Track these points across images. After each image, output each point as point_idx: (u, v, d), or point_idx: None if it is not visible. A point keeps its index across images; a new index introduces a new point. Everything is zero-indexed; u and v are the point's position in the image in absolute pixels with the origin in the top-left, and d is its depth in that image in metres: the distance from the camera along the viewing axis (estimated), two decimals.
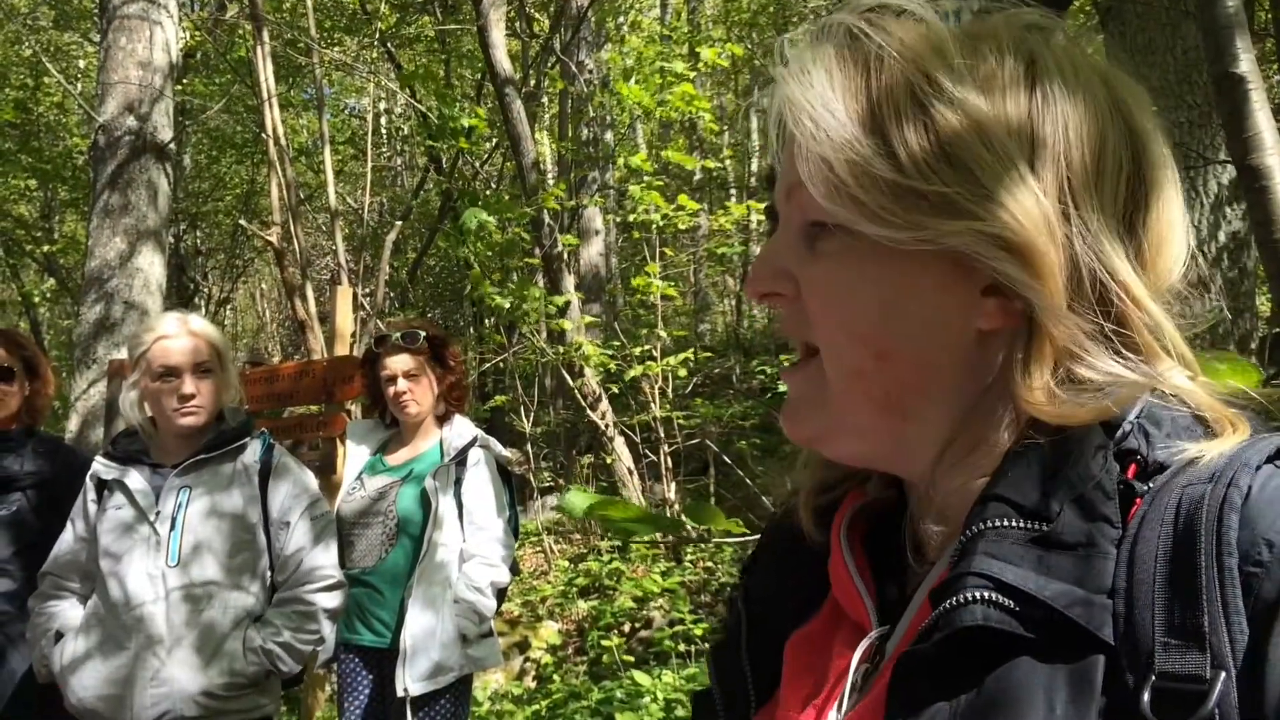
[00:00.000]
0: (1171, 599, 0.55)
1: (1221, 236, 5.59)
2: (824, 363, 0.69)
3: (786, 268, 0.71)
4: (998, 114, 0.64)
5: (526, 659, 6.41)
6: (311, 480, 2.89)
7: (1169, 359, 0.65)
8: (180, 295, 15.10)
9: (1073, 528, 0.59)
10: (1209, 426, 0.63)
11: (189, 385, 2.66)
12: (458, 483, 3.31)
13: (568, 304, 7.90)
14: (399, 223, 11.73)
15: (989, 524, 0.61)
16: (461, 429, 3.42)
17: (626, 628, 6.58)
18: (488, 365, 10.68)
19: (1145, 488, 0.60)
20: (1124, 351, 0.64)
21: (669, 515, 7.62)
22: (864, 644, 0.69)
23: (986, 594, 0.58)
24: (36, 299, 15.78)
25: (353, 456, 3.54)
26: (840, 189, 0.65)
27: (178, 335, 2.70)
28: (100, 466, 2.73)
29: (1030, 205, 0.63)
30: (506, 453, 3.56)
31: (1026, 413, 0.64)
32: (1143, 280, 0.65)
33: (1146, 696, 0.53)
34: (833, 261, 0.68)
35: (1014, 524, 0.60)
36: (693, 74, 7.82)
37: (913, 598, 0.69)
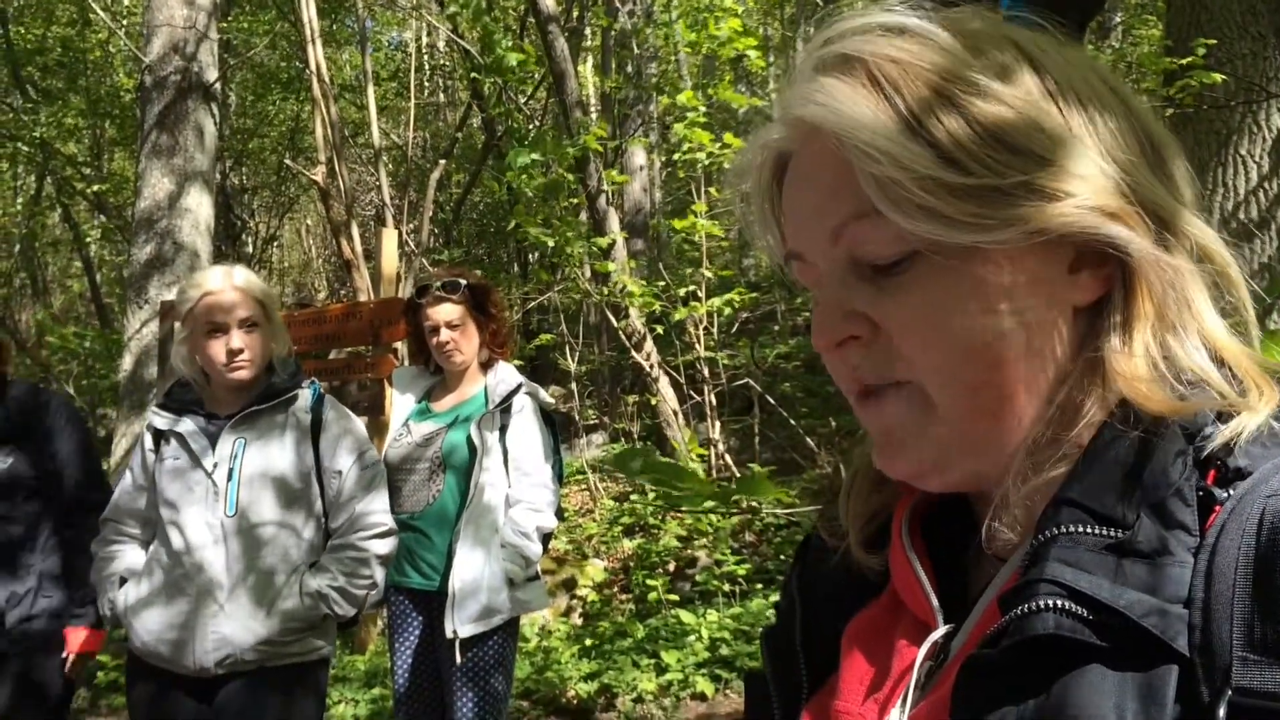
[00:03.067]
0: (1252, 613, 0.54)
1: None
2: (929, 388, 0.67)
3: (856, 309, 0.68)
4: (1026, 92, 0.65)
5: (573, 596, 6.51)
6: (362, 429, 2.93)
7: (1210, 321, 0.66)
8: (228, 233, 15.23)
9: (1150, 535, 0.58)
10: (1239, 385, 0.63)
11: (236, 340, 2.70)
12: (503, 429, 3.33)
13: (613, 244, 7.87)
14: (442, 161, 11.69)
15: (1063, 529, 0.60)
16: (506, 376, 3.43)
17: (671, 566, 6.65)
18: (532, 304, 10.70)
19: (1225, 494, 0.59)
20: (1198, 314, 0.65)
21: (715, 457, 7.64)
22: (929, 642, 0.68)
23: (1059, 602, 0.57)
24: (89, 239, 16.00)
25: (399, 403, 3.58)
26: (922, 207, 0.63)
27: (223, 290, 2.73)
28: (156, 417, 2.79)
29: (1094, 165, 0.64)
30: (551, 399, 3.58)
31: (1118, 393, 0.64)
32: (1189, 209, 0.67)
33: (1222, 711, 0.52)
34: (923, 285, 0.66)
35: (1089, 530, 0.59)
36: (740, 8, 7.65)
37: (980, 597, 0.69)
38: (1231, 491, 0.59)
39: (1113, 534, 0.59)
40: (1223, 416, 0.62)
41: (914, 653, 0.69)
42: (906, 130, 0.63)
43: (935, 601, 0.70)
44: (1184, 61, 4.57)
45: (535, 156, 6.22)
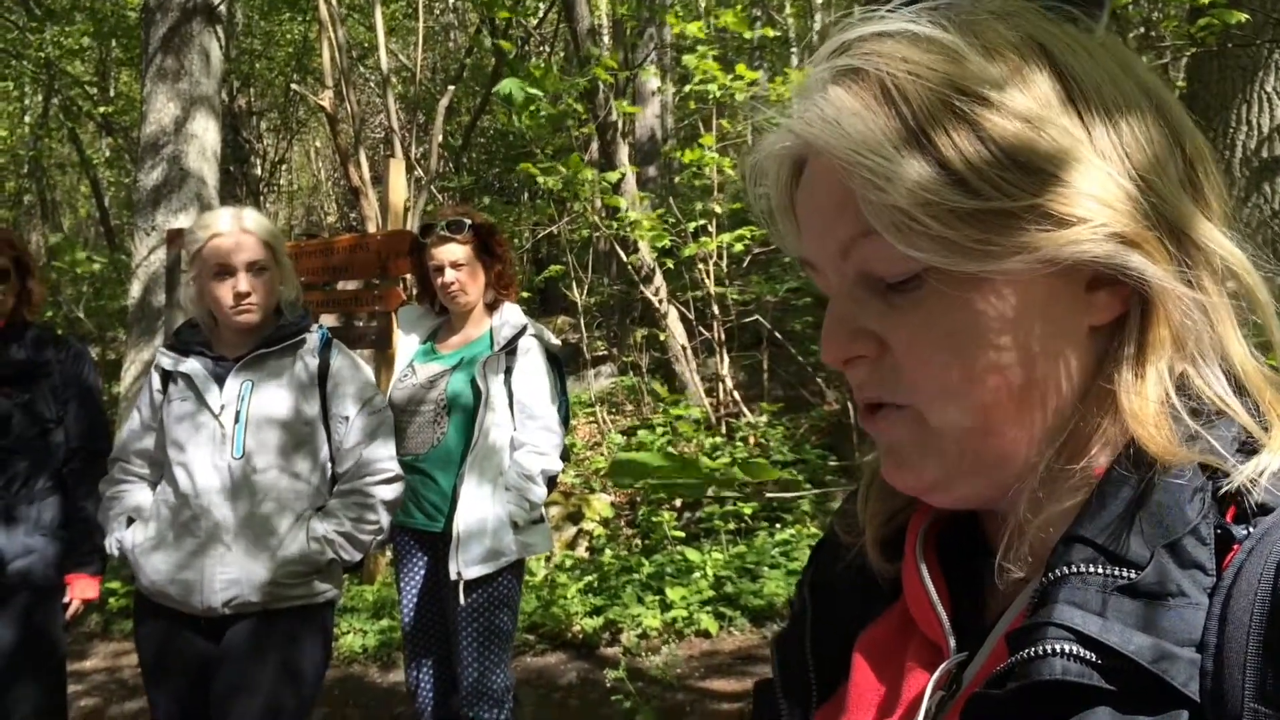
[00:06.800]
0: (1265, 663, 0.52)
1: None
2: (927, 412, 0.65)
3: (864, 326, 0.66)
4: (1044, 103, 0.61)
5: (580, 530, 6.56)
6: (369, 375, 2.93)
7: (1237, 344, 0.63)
8: (236, 156, 15.11)
9: (1163, 576, 0.56)
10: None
11: (244, 283, 2.69)
12: (508, 371, 3.32)
13: (622, 177, 7.77)
14: (451, 87, 11.52)
15: (1073, 569, 0.58)
16: (511, 317, 3.41)
17: (678, 502, 6.69)
18: (542, 234, 10.63)
19: (1244, 532, 0.57)
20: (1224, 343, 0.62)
21: (723, 393, 7.63)
22: (939, 671, 0.67)
23: (1067, 646, 0.55)
24: (96, 161, 15.90)
25: (403, 343, 3.57)
26: (925, 234, 0.60)
27: (231, 233, 2.72)
28: (164, 358, 2.80)
29: (1115, 188, 0.60)
30: (556, 340, 3.56)
31: (1127, 430, 0.61)
32: (1228, 237, 0.63)
33: None
34: (929, 306, 0.63)
35: (1100, 570, 0.57)
36: None
37: (992, 629, 0.67)
38: (1251, 529, 0.57)
39: (1125, 574, 0.57)
40: (1245, 448, 0.59)
41: (924, 678, 0.68)
42: (915, 148, 0.60)
43: (947, 625, 0.68)
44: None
45: (531, 91, 6.08)
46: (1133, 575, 0.56)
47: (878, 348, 0.66)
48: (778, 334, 7.96)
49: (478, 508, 3.19)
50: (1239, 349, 0.63)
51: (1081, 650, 0.55)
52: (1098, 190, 0.60)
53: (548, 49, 13.75)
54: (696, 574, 5.52)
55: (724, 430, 7.48)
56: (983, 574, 0.71)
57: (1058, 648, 0.55)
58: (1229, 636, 0.54)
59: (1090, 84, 0.62)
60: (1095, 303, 0.63)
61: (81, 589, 3.09)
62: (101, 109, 14.49)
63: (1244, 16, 4.53)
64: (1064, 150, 0.60)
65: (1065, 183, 0.59)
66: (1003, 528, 0.67)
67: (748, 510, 6.13)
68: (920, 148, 0.60)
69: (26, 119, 16.85)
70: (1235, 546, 0.57)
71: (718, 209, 7.50)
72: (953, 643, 0.68)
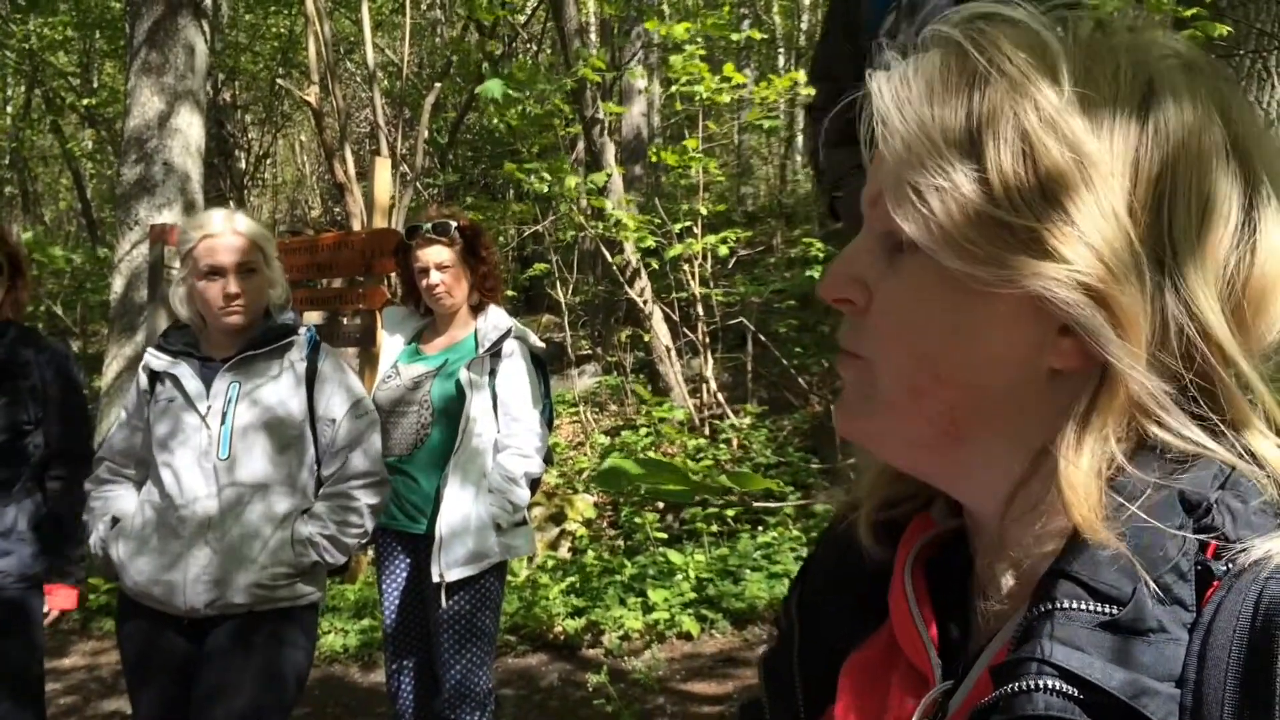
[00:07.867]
0: (1242, 703, 0.53)
1: None
2: (877, 372, 0.67)
3: (863, 276, 0.69)
4: (1104, 148, 0.60)
5: (562, 531, 6.56)
6: (356, 380, 2.93)
7: (1257, 423, 0.62)
8: (220, 150, 15.03)
9: (1145, 612, 0.57)
10: None
11: (234, 284, 2.70)
12: (492, 374, 3.32)
13: (609, 177, 7.77)
14: (438, 84, 11.49)
15: (1057, 604, 0.59)
16: (496, 320, 3.41)
17: (661, 504, 6.69)
18: (527, 233, 10.61)
19: (1224, 569, 0.58)
20: (1207, 414, 0.61)
21: (706, 394, 7.64)
22: (925, 701, 0.68)
23: (1050, 682, 0.56)
24: (78, 153, 15.77)
25: (387, 344, 3.57)
26: (925, 215, 0.62)
27: (223, 234, 2.73)
28: (152, 358, 2.80)
29: (1122, 250, 0.60)
30: (541, 343, 3.56)
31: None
32: (1238, 340, 0.62)
33: None
34: (908, 279, 0.65)
35: (1083, 606, 0.58)
36: None
37: (976, 660, 0.68)
38: (1230, 566, 0.58)
39: (1108, 610, 0.57)
40: (1229, 484, 0.60)
41: (910, 707, 0.69)
42: (962, 137, 0.62)
43: (934, 655, 0.69)
44: (1190, 12, 4.48)
45: (513, 93, 6.06)
46: (1114, 611, 0.57)
47: (865, 299, 0.68)
48: (762, 336, 7.98)
49: (460, 509, 3.19)
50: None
51: (1065, 686, 0.56)
52: (1098, 241, 0.60)
53: (535, 47, 13.72)
54: (678, 576, 5.53)
55: (707, 432, 7.49)
56: (970, 597, 0.72)
57: (1042, 683, 0.56)
58: (1208, 672, 0.55)
59: (1169, 149, 0.61)
60: (1060, 348, 0.63)
61: (60, 600, 3.07)
62: (85, 101, 14.39)
63: (1227, 29, 4.56)
64: (1095, 199, 0.60)
65: (1072, 222, 0.60)
66: (985, 569, 0.68)
67: (730, 513, 6.14)
68: (969, 139, 0.62)
69: (8, 110, 16.72)
70: (1215, 583, 0.57)
71: (703, 210, 7.51)
72: (939, 672, 0.69)
